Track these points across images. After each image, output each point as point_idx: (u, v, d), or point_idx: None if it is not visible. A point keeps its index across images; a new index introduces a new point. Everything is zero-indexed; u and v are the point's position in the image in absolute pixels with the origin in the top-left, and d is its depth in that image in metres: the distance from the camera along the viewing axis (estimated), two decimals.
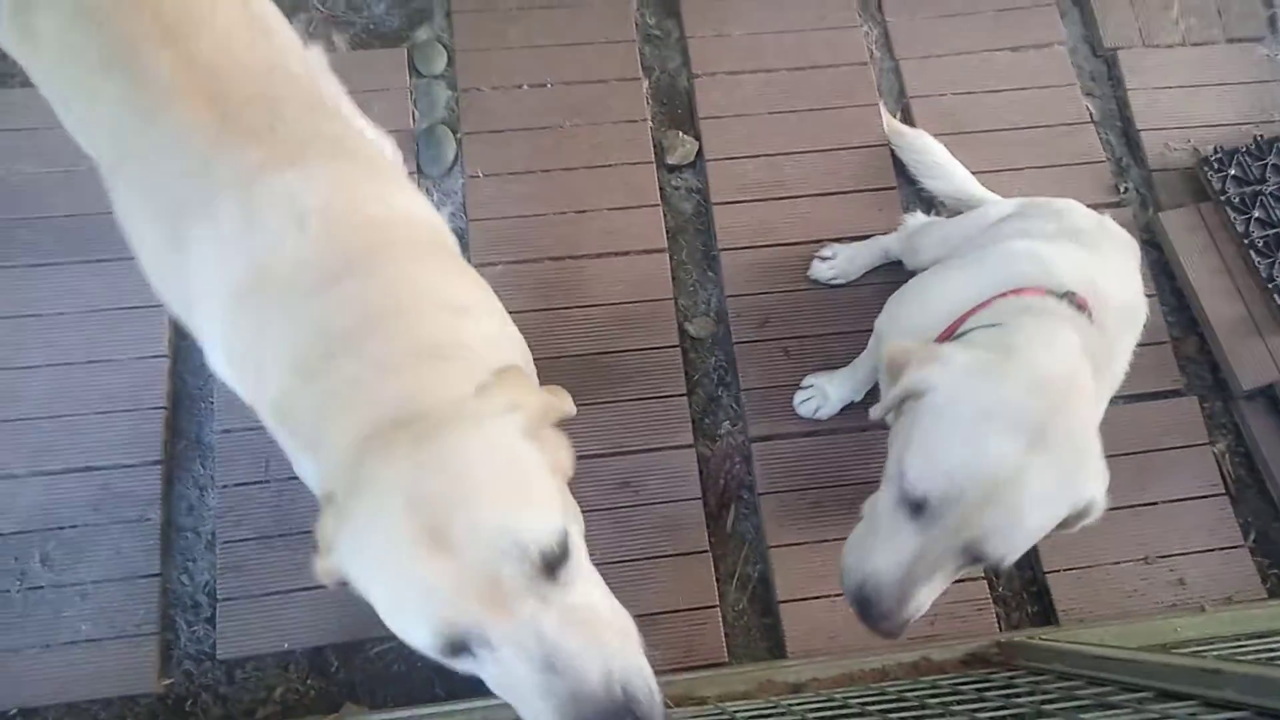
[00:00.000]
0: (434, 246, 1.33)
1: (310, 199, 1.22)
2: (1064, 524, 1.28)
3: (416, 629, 0.93)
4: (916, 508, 1.22)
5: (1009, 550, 1.19)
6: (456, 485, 0.95)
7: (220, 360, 1.28)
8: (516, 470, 1.00)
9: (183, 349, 2.16)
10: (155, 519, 2.02)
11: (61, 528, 1.99)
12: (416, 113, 2.42)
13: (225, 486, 2.04)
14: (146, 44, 1.28)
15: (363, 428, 1.02)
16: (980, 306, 1.49)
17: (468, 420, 1.00)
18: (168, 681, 1.93)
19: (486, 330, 1.26)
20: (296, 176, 1.23)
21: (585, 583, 1.02)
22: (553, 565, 0.96)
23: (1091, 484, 1.22)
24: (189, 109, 1.26)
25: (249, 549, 1.98)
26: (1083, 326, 1.39)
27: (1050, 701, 1.32)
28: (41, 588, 1.95)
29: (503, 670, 0.94)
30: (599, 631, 0.98)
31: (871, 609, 1.24)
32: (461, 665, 0.97)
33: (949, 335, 1.50)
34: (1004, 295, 1.48)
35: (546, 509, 0.98)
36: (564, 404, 1.14)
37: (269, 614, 1.95)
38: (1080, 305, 1.43)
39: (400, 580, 0.93)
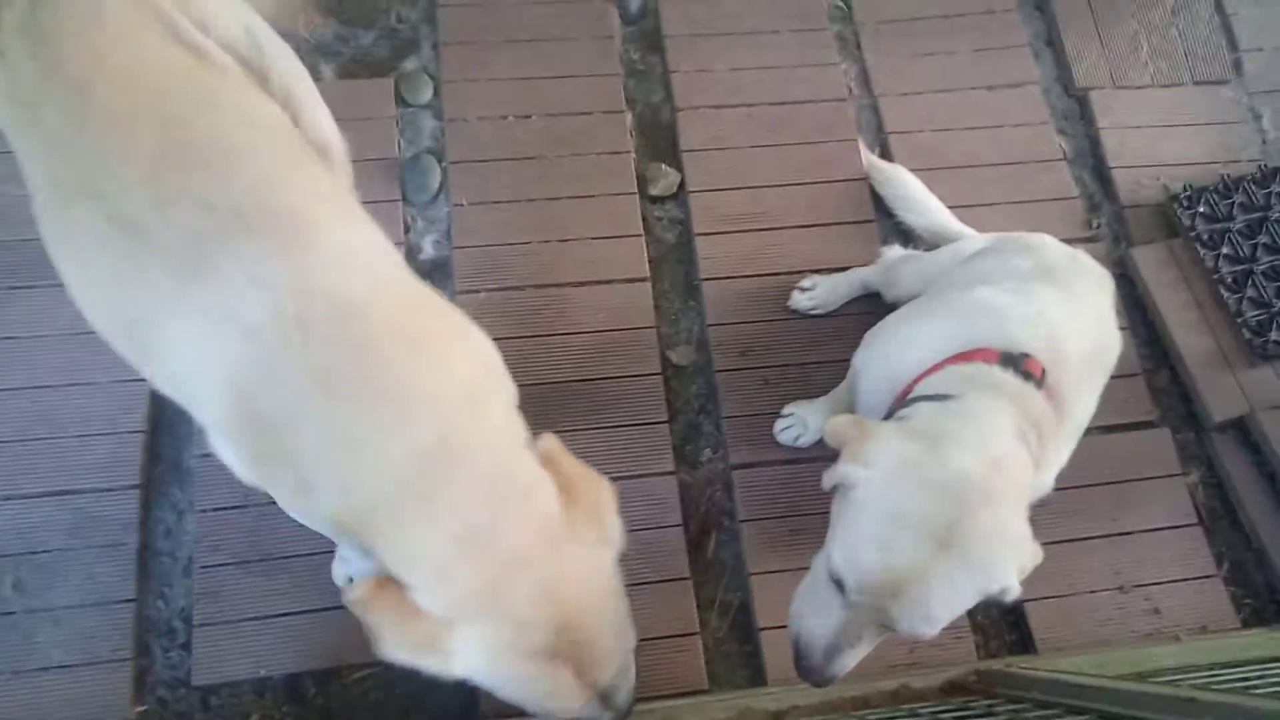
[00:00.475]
0: (412, 316, 1.22)
1: (247, 301, 1.08)
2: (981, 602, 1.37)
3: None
4: (840, 586, 1.33)
5: (919, 632, 1.30)
6: (587, 625, 1.19)
7: (233, 457, 1.21)
8: (620, 610, 1.28)
9: None
10: (132, 543, 1.99)
11: (35, 552, 1.97)
12: (402, 141, 2.45)
13: (204, 511, 2.02)
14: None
15: (483, 571, 1.14)
16: (934, 368, 1.53)
17: (583, 560, 1.22)
18: (141, 709, 1.90)
19: (502, 402, 1.32)
20: (225, 270, 1.09)
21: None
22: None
23: (1001, 576, 1.29)
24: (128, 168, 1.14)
25: (227, 574, 1.96)
26: (1028, 398, 1.43)
27: None
28: (13, 613, 1.92)
29: None
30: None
31: (803, 662, 1.39)
32: None
33: (904, 396, 1.55)
34: (956, 360, 1.52)
35: (627, 629, 1.31)
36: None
37: (246, 640, 1.93)
38: (1029, 371, 1.46)
39: (531, 688, 1.19)
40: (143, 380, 2.08)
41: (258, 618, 1.94)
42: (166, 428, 2.13)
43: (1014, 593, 1.31)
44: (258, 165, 1.18)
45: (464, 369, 1.23)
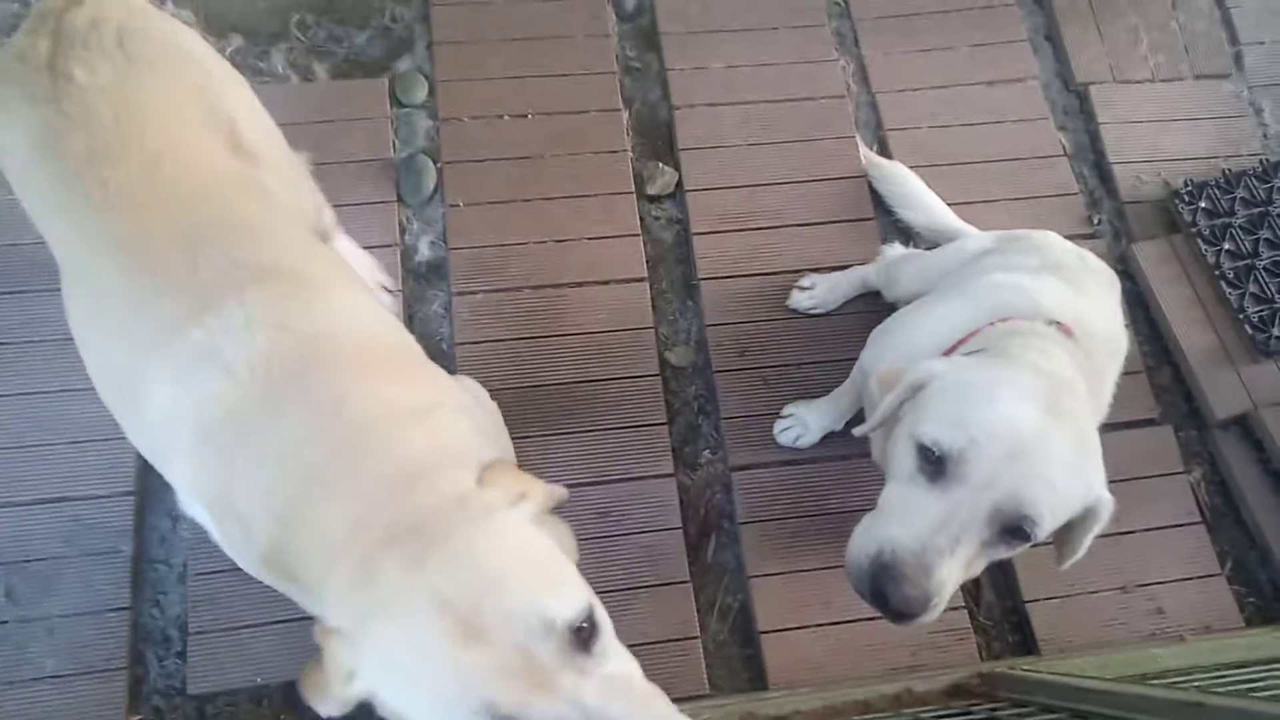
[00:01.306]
0: (377, 350, 1.26)
1: (230, 340, 1.14)
2: (1070, 535, 1.27)
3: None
4: (936, 471, 1.18)
5: (1039, 513, 1.14)
6: (478, 577, 0.96)
7: (200, 513, 1.22)
8: (534, 555, 1.02)
9: None
10: (126, 551, 1.98)
11: (29, 560, 1.95)
12: (397, 142, 2.43)
13: None
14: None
15: (363, 557, 1.00)
16: (968, 336, 1.50)
17: (477, 515, 1.02)
18: (137, 718, 1.88)
19: (458, 427, 1.23)
20: (212, 319, 1.16)
21: (619, 657, 1.02)
22: (585, 640, 0.97)
23: (1099, 478, 1.21)
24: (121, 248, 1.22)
25: (222, 581, 1.95)
26: (1071, 350, 1.41)
27: None
28: (6, 622, 1.90)
29: None
30: (643, 698, 0.99)
31: (891, 576, 1.15)
32: None
33: None
34: (991, 325, 1.49)
35: (569, 587, 1.00)
36: (558, 490, 1.15)
37: (242, 647, 1.91)
38: (1066, 333, 1.45)
39: (438, 677, 0.93)
40: None
41: (254, 625, 1.92)
42: None
43: (1107, 509, 1.21)
44: (283, 237, 1.30)
45: (412, 397, 1.21)
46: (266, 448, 1.11)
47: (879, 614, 1.21)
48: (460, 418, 1.25)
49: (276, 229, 1.32)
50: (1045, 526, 1.16)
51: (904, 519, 1.19)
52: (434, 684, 0.94)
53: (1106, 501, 1.21)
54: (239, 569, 1.92)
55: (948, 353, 1.49)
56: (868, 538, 1.23)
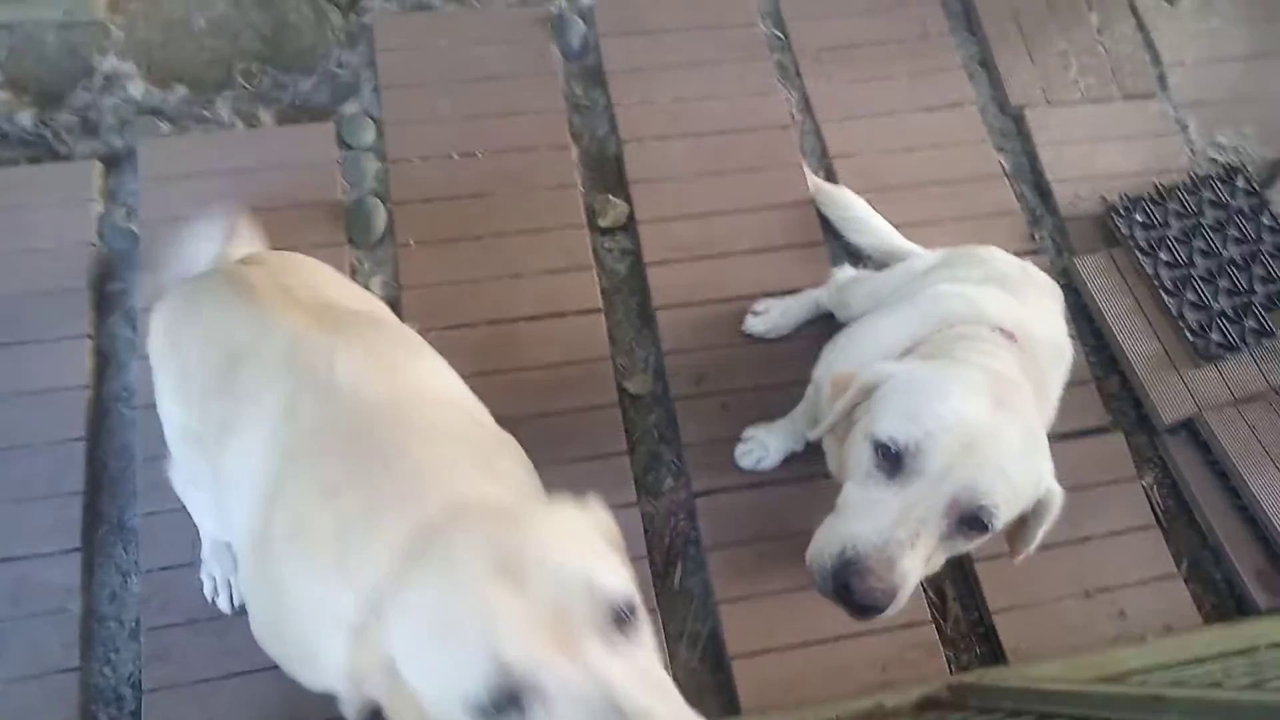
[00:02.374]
0: (451, 399, 1.34)
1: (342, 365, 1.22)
2: (1023, 529, 1.29)
3: (467, 670, 0.83)
4: (893, 468, 1.19)
5: (994, 502, 1.16)
6: (531, 539, 0.91)
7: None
8: (591, 539, 0.98)
9: (104, 430, 2.09)
10: (75, 609, 1.91)
11: None
12: (346, 184, 2.42)
13: (149, 571, 1.95)
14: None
15: (420, 528, 0.96)
16: (915, 345, 1.53)
17: (542, 508, 1.01)
18: None
19: (507, 468, 1.23)
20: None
21: (654, 660, 0.93)
22: (625, 627, 0.89)
23: (1048, 471, 1.24)
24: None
25: (176, 635, 1.89)
26: (1016, 354, 1.44)
27: None
28: None
29: None
30: (674, 700, 0.88)
31: (856, 571, 1.16)
32: None
33: None
34: (938, 332, 1.52)
35: (622, 572, 0.94)
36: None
37: (199, 703, 1.85)
38: (1010, 338, 1.48)
39: (458, 613, 0.86)
40: (81, 439, 2.04)
41: (210, 679, 1.86)
42: (108, 486, 2.05)
43: (1058, 500, 1.24)
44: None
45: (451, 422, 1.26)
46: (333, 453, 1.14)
47: (845, 611, 1.21)
48: (519, 470, 1.28)
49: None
50: (1002, 516, 1.18)
51: (864, 516, 1.20)
52: (450, 622, 0.86)
53: (1057, 493, 1.25)
54: (192, 623, 1.88)
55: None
56: (830, 538, 1.24)
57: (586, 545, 0.95)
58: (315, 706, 1.85)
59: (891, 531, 1.16)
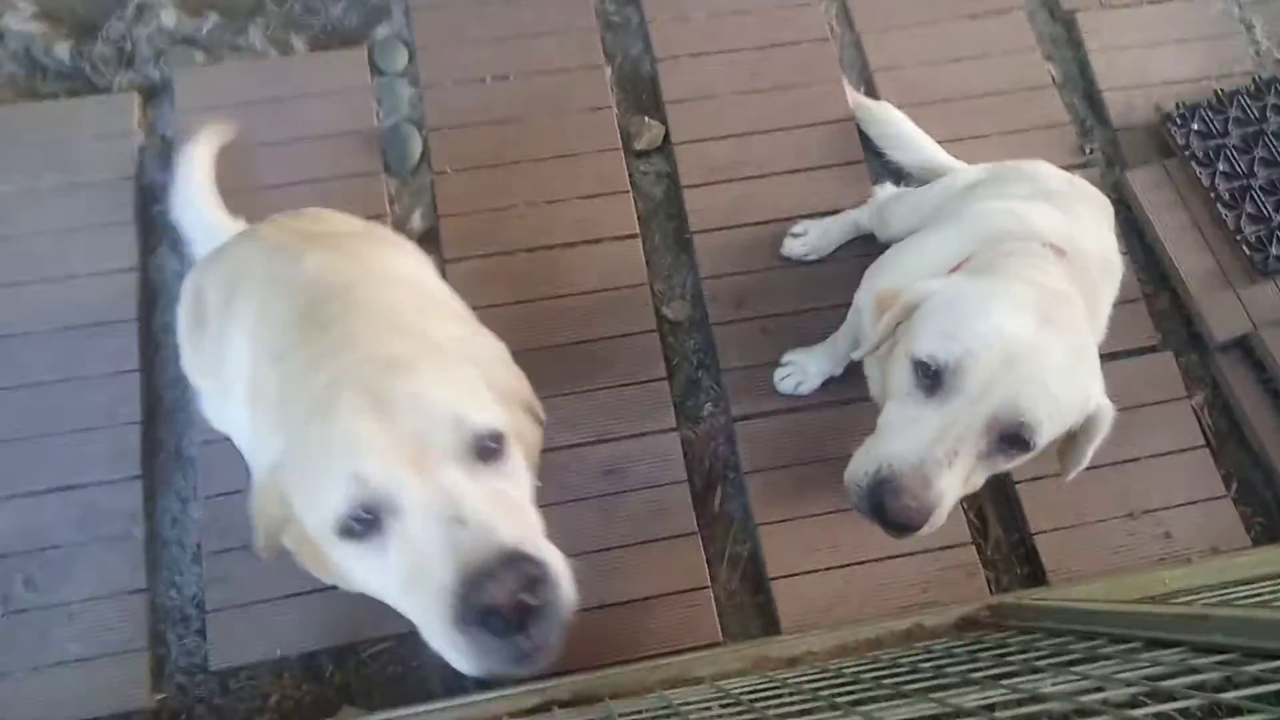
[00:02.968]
0: (410, 282, 1.44)
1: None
2: (1072, 446, 1.28)
3: (332, 489, 0.92)
4: (932, 385, 1.19)
5: (1036, 419, 1.15)
6: (410, 376, 0.98)
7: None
8: (467, 379, 1.05)
9: (157, 361, 2.14)
10: (139, 534, 2.00)
11: (44, 549, 1.97)
12: (380, 111, 2.40)
13: (208, 498, 2.02)
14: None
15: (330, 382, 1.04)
16: (963, 263, 1.50)
17: (433, 353, 1.09)
18: (161, 696, 1.91)
19: (455, 333, 1.30)
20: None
21: (519, 488, 1.02)
22: (489, 457, 0.97)
23: (1098, 387, 1.22)
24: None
25: (235, 559, 1.96)
26: (1067, 268, 1.41)
27: (1042, 658, 1.33)
28: (26, 610, 1.93)
29: (404, 546, 0.91)
30: (528, 521, 0.99)
31: (890, 489, 1.17)
32: (363, 556, 0.94)
33: None
34: (986, 250, 1.49)
35: (492, 410, 1.02)
36: (540, 411, 1.23)
37: (259, 622, 1.93)
38: (1060, 254, 1.44)
39: (329, 441, 0.94)
40: (136, 370, 2.09)
41: (269, 599, 1.94)
42: (165, 417, 2.12)
43: (1108, 418, 1.22)
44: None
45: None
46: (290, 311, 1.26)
47: (881, 529, 1.23)
48: (464, 327, 1.39)
49: None
50: (1044, 433, 1.17)
51: (902, 435, 1.20)
52: (322, 449, 0.94)
53: (1106, 409, 1.22)
54: (250, 546, 1.95)
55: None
56: (867, 458, 1.24)
57: (461, 386, 1.02)
58: (370, 621, 1.94)
59: (929, 450, 1.15)
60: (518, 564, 0.86)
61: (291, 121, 2.34)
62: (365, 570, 0.96)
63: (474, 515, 0.89)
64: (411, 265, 1.54)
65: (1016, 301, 1.20)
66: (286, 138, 2.32)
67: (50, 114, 2.32)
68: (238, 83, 2.39)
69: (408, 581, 0.91)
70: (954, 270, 1.49)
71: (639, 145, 2.42)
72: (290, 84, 2.39)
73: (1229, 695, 0.92)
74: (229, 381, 1.37)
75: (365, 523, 0.91)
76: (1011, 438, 1.17)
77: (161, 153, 2.32)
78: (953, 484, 1.17)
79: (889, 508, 1.17)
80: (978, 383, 1.15)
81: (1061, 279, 1.34)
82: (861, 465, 1.25)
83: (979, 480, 1.25)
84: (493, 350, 1.39)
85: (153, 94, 2.40)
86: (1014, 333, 1.15)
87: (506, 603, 0.84)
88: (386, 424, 0.92)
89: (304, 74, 2.42)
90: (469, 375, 1.07)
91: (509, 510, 0.95)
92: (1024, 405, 1.14)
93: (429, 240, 2.28)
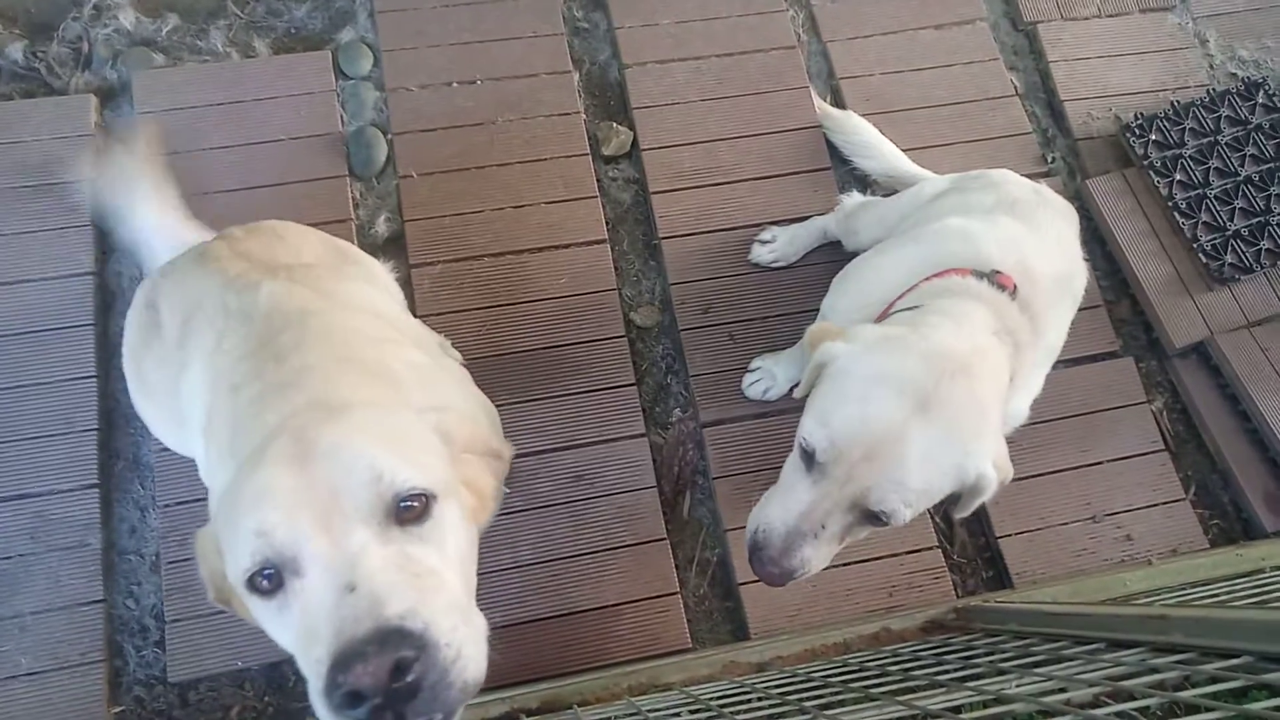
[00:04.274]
0: (370, 311, 1.41)
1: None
2: (958, 501, 1.33)
3: (240, 543, 0.88)
4: (810, 461, 1.28)
5: (893, 507, 1.23)
6: (335, 430, 0.94)
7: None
8: (404, 433, 1.00)
9: (114, 367, 2.09)
10: (96, 544, 1.95)
11: None
12: (345, 115, 2.38)
13: (167, 506, 1.98)
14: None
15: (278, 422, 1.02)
16: (909, 290, 1.52)
17: (381, 392, 1.08)
18: (118, 710, 1.87)
19: (414, 360, 1.29)
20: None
21: (438, 553, 0.94)
22: (410, 519, 0.92)
23: (980, 459, 1.25)
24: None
25: (195, 568, 1.91)
26: (1002, 305, 1.43)
27: (1007, 659, 1.34)
28: None
29: (302, 606, 0.86)
30: (430, 588, 0.88)
31: (759, 554, 1.31)
32: (267, 611, 0.90)
33: (882, 319, 1.53)
34: (929, 279, 1.51)
35: (421, 468, 0.95)
36: (505, 450, 1.18)
37: (220, 633, 1.90)
38: (1003, 285, 1.46)
39: (245, 493, 0.91)
40: (93, 376, 2.05)
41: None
42: (122, 424, 2.07)
43: (990, 485, 1.26)
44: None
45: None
46: (246, 345, 1.25)
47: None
48: (420, 354, 1.35)
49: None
50: (903, 516, 1.25)
51: (781, 503, 1.32)
52: (239, 501, 0.91)
53: (990, 479, 1.27)
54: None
55: (891, 306, 1.53)
56: (756, 515, 1.37)
57: (393, 440, 0.97)
58: None
59: (797, 523, 1.28)
60: (393, 643, 0.80)
61: (254, 125, 2.31)
62: (270, 625, 0.92)
63: (366, 583, 0.84)
64: (370, 293, 1.52)
65: (898, 385, 1.24)
66: (249, 141, 2.29)
67: (4, 115, 2.27)
68: (198, 85, 2.35)
69: (300, 643, 0.87)
70: (901, 297, 1.53)
71: (607, 151, 2.42)
72: (253, 87, 2.36)
73: (1187, 694, 0.93)
74: (185, 410, 1.35)
75: (270, 578, 0.88)
76: (874, 516, 1.26)
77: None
78: (820, 551, 1.29)
79: (755, 569, 1.33)
80: (841, 470, 1.24)
81: (986, 327, 1.37)
82: (751, 521, 1.37)
83: (861, 534, 1.34)
84: (454, 379, 1.40)
85: (110, 96, 2.35)
86: (881, 425, 1.22)
87: (372, 686, 0.78)
88: (304, 478, 0.89)
89: (267, 77, 2.39)
90: (406, 424, 1.03)
91: (414, 577, 0.88)
92: (877, 497, 1.23)
93: (394, 245, 2.26)
